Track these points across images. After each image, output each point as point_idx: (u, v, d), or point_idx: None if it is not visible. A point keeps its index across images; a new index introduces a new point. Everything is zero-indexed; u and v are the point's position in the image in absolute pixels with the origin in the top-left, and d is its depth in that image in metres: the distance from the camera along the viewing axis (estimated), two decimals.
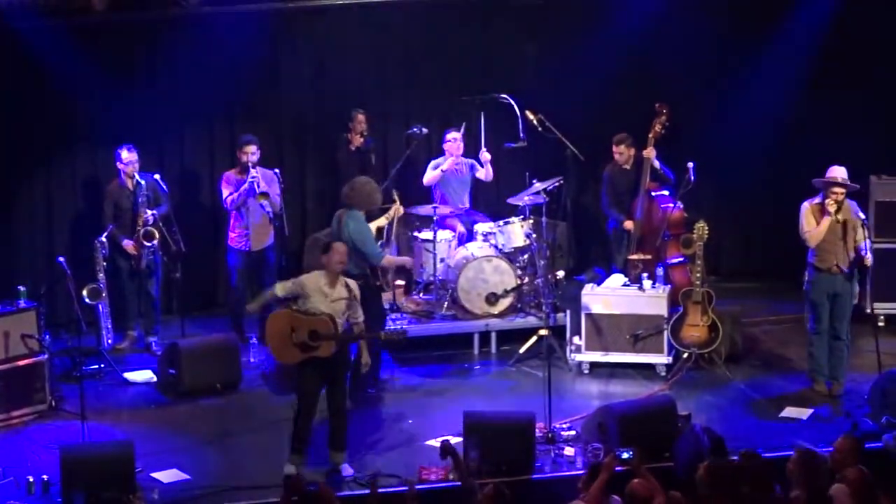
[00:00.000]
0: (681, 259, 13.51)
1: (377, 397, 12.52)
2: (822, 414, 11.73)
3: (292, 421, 10.61)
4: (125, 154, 13.19)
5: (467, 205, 14.34)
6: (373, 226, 12.39)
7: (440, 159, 14.07)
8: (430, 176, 14.07)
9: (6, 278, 12.64)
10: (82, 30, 13.08)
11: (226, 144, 14.21)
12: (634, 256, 13.61)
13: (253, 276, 13.74)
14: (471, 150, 14.11)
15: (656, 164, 13.61)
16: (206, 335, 13.41)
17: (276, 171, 13.57)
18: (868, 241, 12.25)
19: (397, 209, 12.98)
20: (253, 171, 13.37)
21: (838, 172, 12.10)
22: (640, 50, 14.28)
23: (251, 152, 13.42)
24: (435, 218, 13.69)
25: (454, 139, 13.98)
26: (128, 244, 13.10)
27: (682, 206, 13.55)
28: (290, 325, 10.59)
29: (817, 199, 12.16)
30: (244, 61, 13.76)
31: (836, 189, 12.02)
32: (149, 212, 13.00)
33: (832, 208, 11.99)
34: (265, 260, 13.73)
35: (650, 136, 13.48)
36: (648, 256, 13.57)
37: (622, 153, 13.74)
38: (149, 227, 13.00)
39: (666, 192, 13.69)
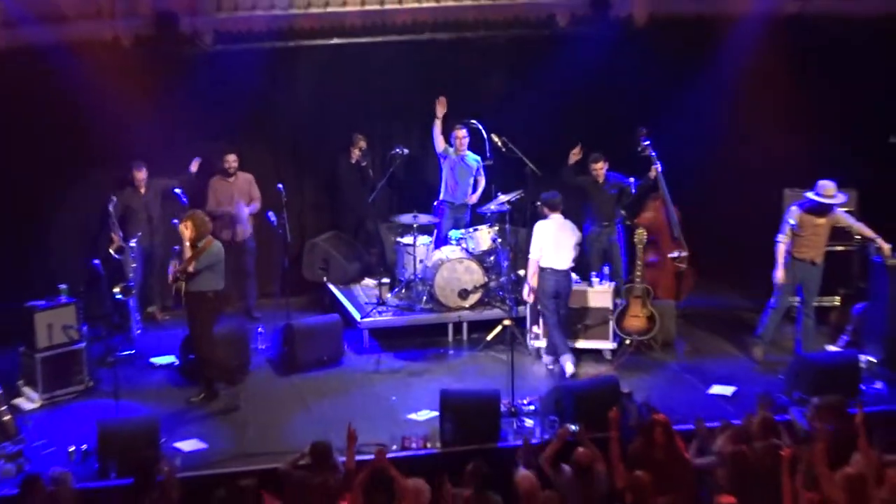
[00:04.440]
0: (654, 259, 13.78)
1: (368, 378, 12.67)
2: (743, 391, 11.85)
3: None
4: (136, 172, 13.49)
5: (470, 192, 14.20)
6: None
7: (451, 149, 14.03)
8: (439, 141, 14.03)
9: (49, 278, 12.53)
10: (110, 65, 13.00)
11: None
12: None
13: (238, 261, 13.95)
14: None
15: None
16: (221, 325, 13.05)
17: (280, 185, 13.67)
18: (862, 228, 12.50)
19: None
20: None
21: (828, 186, 12.31)
22: (590, 79, 14.08)
23: (232, 160, 13.85)
24: (415, 226, 13.67)
25: (463, 136, 13.90)
26: (114, 236, 13.17)
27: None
28: None
29: (806, 207, 12.38)
30: (249, 91, 13.70)
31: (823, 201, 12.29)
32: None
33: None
34: (247, 248, 14.10)
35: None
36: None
37: (598, 170, 13.58)
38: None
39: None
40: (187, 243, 11.62)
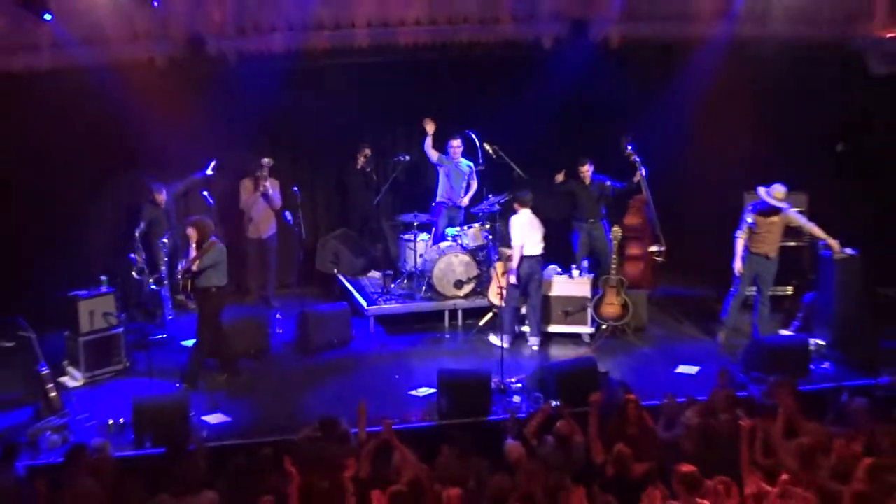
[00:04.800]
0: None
1: (373, 359, 12.71)
2: (706, 371, 11.94)
3: None
4: (157, 195, 13.38)
5: (462, 195, 14.18)
6: None
7: (447, 158, 14.04)
8: (432, 153, 14.03)
9: (91, 271, 12.63)
10: (146, 82, 12.91)
11: (256, 163, 14.04)
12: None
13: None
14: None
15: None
16: (244, 312, 13.35)
17: (296, 188, 13.69)
18: (812, 227, 12.46)
19: None
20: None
21: (779, 190, 12.38)
22: (571, 94, 14.06)
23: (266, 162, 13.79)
24: (416, 224, 13.77)
25: (457, 145, 13.94)
26: (138, 258, 12.96)
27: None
28: None
29: (760, 208, 12.44)
30: (269, 105, 13.56)
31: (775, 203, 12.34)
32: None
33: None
34: (269, 246, 14.09)
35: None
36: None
37: (584, 172, 13.67)
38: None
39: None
40: (193, 244, 11.66)
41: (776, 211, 12.50)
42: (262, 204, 13.98)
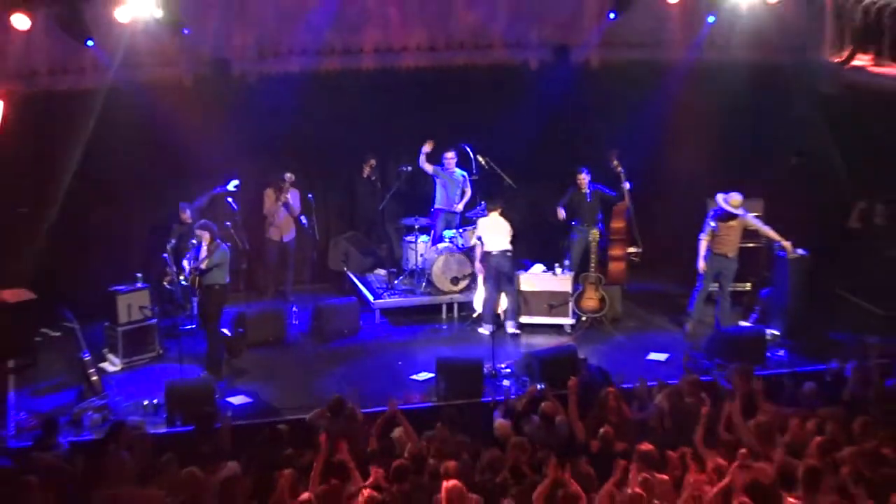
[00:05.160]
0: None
1: (379, 347, 12.71)
2: (675, 358, 12.00)
3: None
4: (182, 214, 13.13)
5: (457, 201, 14.03)
6: None
7: (442, 169, 13.94)
8: (427, 167, 13.94)
9: (128, 269, 12.65)
10: (176, 101, 12.87)
11: (274, 172, 13.95)
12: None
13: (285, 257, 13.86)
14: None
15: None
16: (264, 306, 13.37)
17: (310, 195, 13.67)
18: (768, 231, 12.49)
19: None
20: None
21: (735, 197, 12.40)
22: (555, 111, 14.02)
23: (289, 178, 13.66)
24: (416, 227, 13.72)
25: (452, 157, 13.84)
26: (169, 271, 12.73)
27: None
28: None
29: (720, 213, 12.45)
30: (286, 120, 13.60)
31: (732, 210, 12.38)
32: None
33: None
34: (289, 248, 13.93)
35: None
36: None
37: (581, 180, 13.51)
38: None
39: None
40: (205, 245, 11.62)
41: (734, 216, 12.49)
42: (284, 211, 13.88)
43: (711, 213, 12.66)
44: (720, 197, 12.56)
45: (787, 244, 12.43)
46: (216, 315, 11.81)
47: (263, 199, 13.91)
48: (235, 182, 13.54)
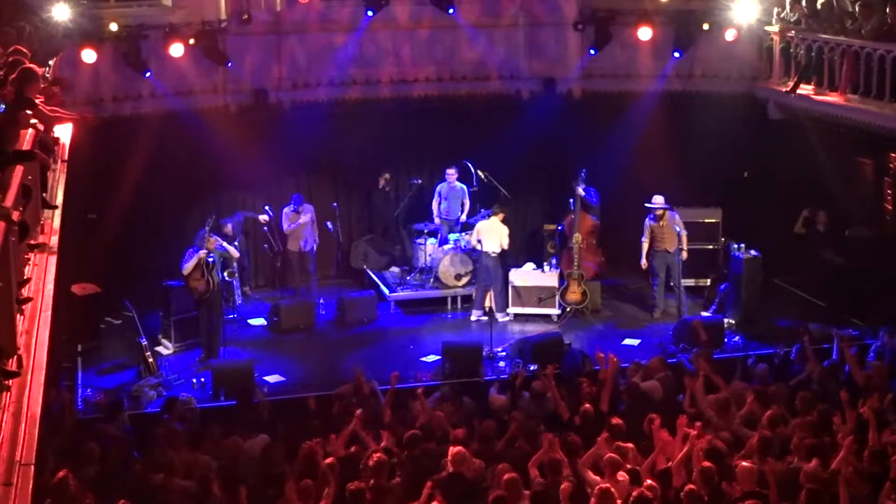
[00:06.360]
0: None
1: (394, 333, 12.61)
2: (646, 342, 12.01)
3: None
4: (223, 228, 12.70)
5: (459, 213, 13.68)
6: None
7: (444, 184, 13.69)
8: (436, 208, 13.76)
9: (177, 266, 12.11)
10: (221, 125, 12.97)
11: (302, 189, 13.79)
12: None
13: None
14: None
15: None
16: (296, 299, 13.17)
17: (335, 203, 13.56)
18: (680, 237, 12.61)
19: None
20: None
21: (658, 199, 12.57)
22: (544, 134, 13.73)
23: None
24: (425, 231, 13.59)
25: (452, 173, 13.56)
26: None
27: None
28: None
29: (651, 216, 12.56)
30: (315, 142, 13.35)
31: (658, 211, 12.50)
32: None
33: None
34: (310, 257, 13.48)
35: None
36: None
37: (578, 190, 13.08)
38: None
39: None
40: (209, 249, 11.57)
41: (662, 216, 12.61)
42: (301, 225, 13.42)
43: (647, 219, 12.75)
44: (650, 204, 12.69)
45: (685, 252, 12.62)
46: (216, 309, 11.67)
47: (282, 220, 13.43)
48: (266, 217, 13.33)
